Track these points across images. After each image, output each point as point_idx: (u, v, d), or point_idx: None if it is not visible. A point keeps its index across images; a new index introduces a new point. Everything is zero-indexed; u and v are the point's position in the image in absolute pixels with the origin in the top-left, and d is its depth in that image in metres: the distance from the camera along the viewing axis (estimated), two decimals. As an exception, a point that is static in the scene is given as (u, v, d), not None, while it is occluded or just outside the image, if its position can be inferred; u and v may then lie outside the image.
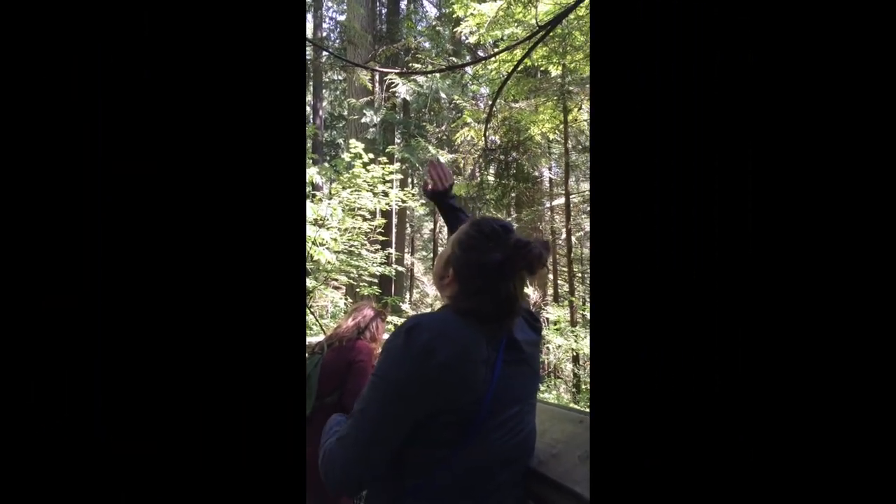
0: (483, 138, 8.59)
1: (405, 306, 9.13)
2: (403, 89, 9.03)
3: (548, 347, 6.45)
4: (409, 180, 9.67)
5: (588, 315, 6.94)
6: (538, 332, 1.12)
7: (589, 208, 9.86)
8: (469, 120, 8.70)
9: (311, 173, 5.41)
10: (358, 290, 7.34)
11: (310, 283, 7.13)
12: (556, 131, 8.48)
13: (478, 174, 10.00)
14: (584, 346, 6.09)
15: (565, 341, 6.25)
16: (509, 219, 9.62)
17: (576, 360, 6.50)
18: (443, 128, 10.17)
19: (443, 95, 9.50)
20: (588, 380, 6.13)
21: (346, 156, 6.85)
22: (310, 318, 6.61)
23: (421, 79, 8.91)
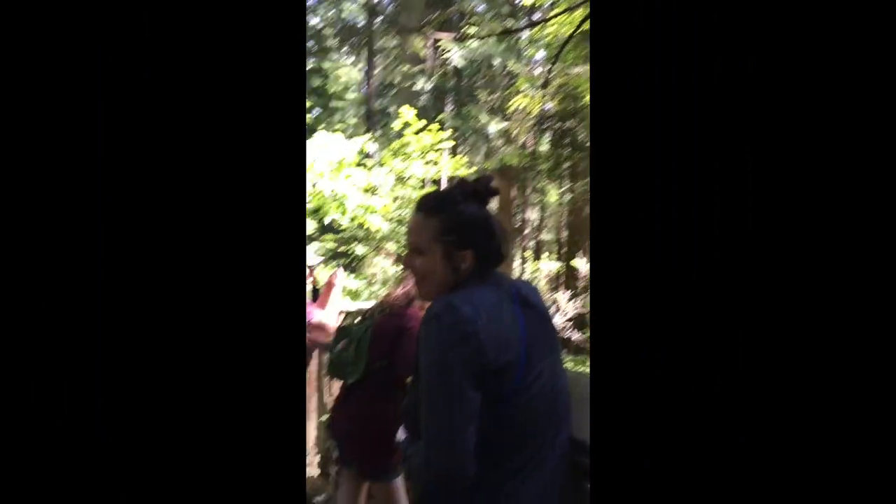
0: (538, 105, 8.32)
1: (453, 276, 9.15)
2: (456, 55, 8.84)
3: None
4: (461, 149, 9.58)
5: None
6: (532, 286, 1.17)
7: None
8: (524, 86, 8.43)
9: (363, 141, 5.46)
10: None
11: (360, 250, 7.29)
12: (616, 98, 8.05)
13: (531, 144, 9.75)
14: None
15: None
16: (563, 189, 9.37)
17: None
18: (496, 95, 9.92)
19: (497, 61, 9.23)
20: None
21: (396, 123, 6.85)
22: (360, 284, 6.78)
23: (475, 44, 8.68)
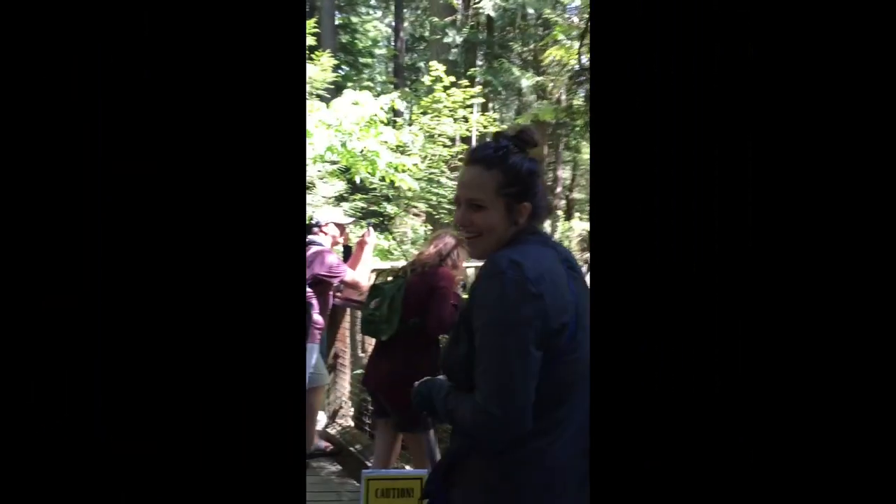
0: (575, 56, 7.97)
1: (484, 234, 9.11)
2: (489, 5, 8.48)
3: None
4: (492, 105, 9.34)
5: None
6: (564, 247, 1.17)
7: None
8: (560, 37, 8.05)
9: (393, 98, 5.39)
10: (437, 217, 7.44)
11: (391, 209, 7.32)
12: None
13: (565, 98, 9.40)
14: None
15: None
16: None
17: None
18: (530, 47, 9.52)
19: (530, 11, 8.80)
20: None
21: (426, 79, 6.70)
22: (391, 243, 6.86)
23: (508, -8, 8.27)
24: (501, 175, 0.97)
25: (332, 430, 3.17)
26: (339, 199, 6.35)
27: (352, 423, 3.24)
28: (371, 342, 2.56)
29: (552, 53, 8.31)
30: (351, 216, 6.06)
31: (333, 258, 2.77)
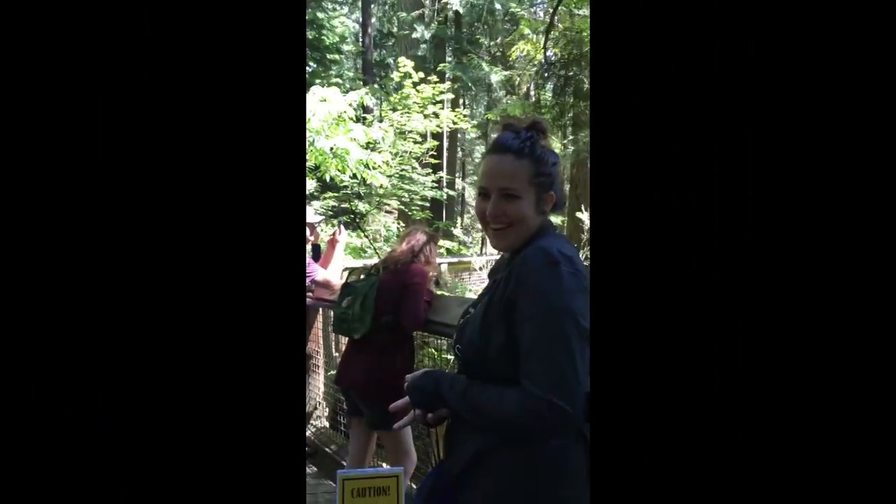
0: (541, 50, 8.05)
1: (456, 231, 9.18)
2: (456, 0, 8.47)
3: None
4: (462, 101, 9.35)
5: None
6: None
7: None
8: (526, 31, 8.13)
9: (361, 94, 5.34)
10: (410, 214, 7.42)
11: (362, 207, 7.26)
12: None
13: (533, 93, 9.49)
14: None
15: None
16: (566, 141, 9.20)
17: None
18: (497, 41, 9.56)
19: (497, 6, 8.84)
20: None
21: (395, 75, 6.66)
22: (364, 241, 6.81)
23: (474, -13, 8.27)
24: (532, 164, 0.97)
25: (307, 432, 3.14)
26: (310, 197, 6.26)
27: (326, 424, 3.22)
28: (345, 341, 2.56)
29: (519, 48, 8.38)
30: (322, 215, 5.98)
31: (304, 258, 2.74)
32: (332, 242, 2.86)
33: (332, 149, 4.75)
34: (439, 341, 2.89)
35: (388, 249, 2.65)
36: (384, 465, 2.44)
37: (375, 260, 2.79)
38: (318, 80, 7.64)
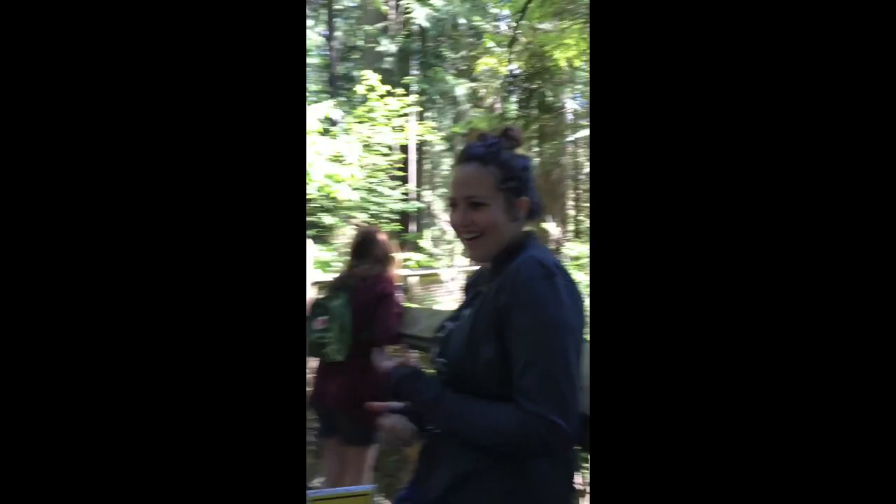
0: (505, 64, 8.18)
1: (425, 243, 9.16)
2: (421, 13, 8.55)
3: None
4: (428, 113, 9.39)
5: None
6: None
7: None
8: (490, 44, 8.26)
9: (327, 108, 5.29)
10: (378, 226, 7.35)
11: (329, 220, 7.16)
12: (583, 57, 7.99)
13: (498, 105, 9.62)
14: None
15: (586, 277, 6.24)
16: (531, 152, 9.34)
17: (595, 295, 6.50)
18: (462, 55, 9.68)
19: (462, 20, 8.96)
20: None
21: (360, 88, 6.64)
22: (331, 255, 6.70)
23: (439, 2, 8.39)
24: (498, 170, 0.95)
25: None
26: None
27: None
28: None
29: (484, 62, 8.50)
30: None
31: None
32: None
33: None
34: (409, 354, 2.84)
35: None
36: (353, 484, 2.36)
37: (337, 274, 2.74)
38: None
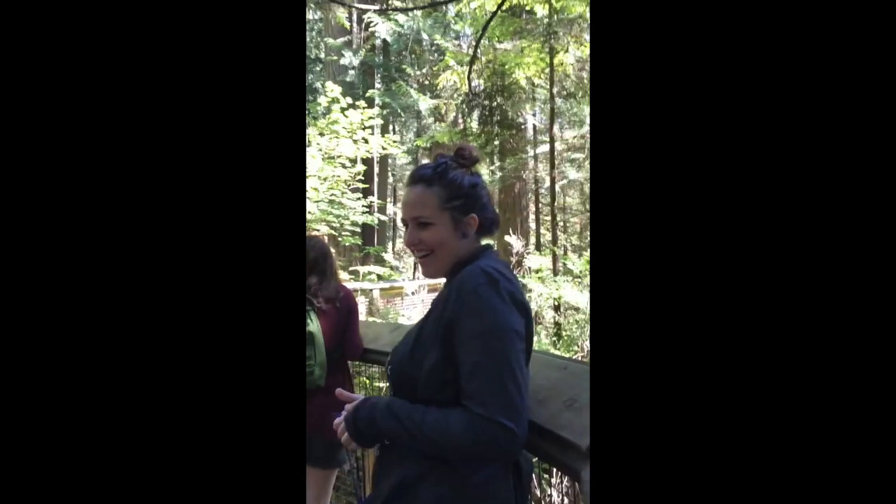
0: (466, 81, 8.31)
1: (388, 256, 9.11)
2: (383, 28, 8.60)
3: (529, 295, 6.57)
4: (391, 127, 9.41)
5: (568, 265, 6.99)
6: None
7: (572, 156, 9.74)
8: (451, 62, 8.38)
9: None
10: (340, 239, 7.28)
11: (290, 233, 7.01)
12: (542, 75, 8.23)
13: (461, 121, 9.75)
14: (565, 294, 6.21)
15: (546, 289, 6.35)
16: (493, 167, 9.50)
17: (556, 308, 6.63)
18: (424, 71, 9.78)
19: (424, 36, 9.07)
20: (568, 328, 6.26)
21: (322, 100, 6.60)
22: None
23: (401, 18, 8.46)
24: (442, 190, 0.99)
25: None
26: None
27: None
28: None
29: (446, 78, 8.62)
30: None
31: None
32: None
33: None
34: (372, 369, 2.79)
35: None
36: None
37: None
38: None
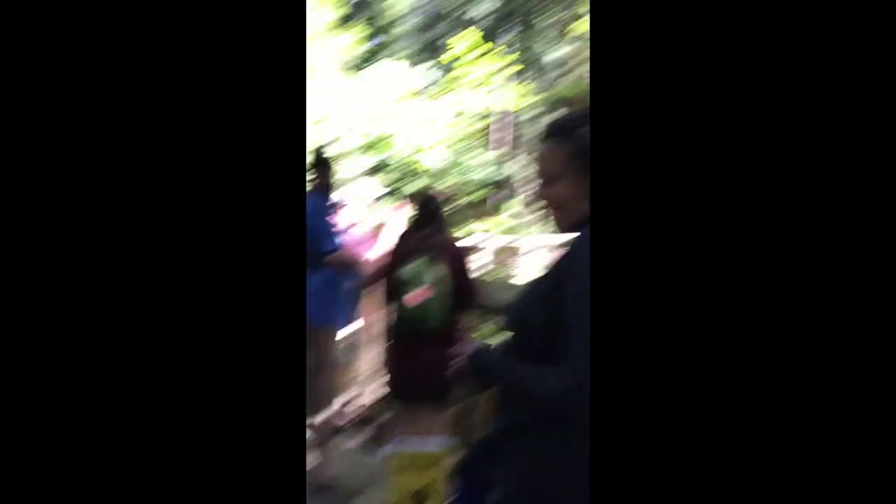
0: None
1: (512, 211, 9.01)
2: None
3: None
4: (524, 76, 9.09)
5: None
6: None
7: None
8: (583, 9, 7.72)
9: (422, 71, 5.26)
10: (467, 193, 7.37)
11: (413, 187, 7.24)
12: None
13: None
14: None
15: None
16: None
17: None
18: (557, 18, 9.16)
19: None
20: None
21: (457, 49, 6.55)
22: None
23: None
24: (572, 146, 0.98)
25: (363, 401, 3.19)
26: (365, 175, 6.33)
27: (376, 396, 3.24)
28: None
29: (578, 27, 8.01)
30: (375, 194, 6.03)
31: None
32: (383, 225, 2.81)
33: (386, 128, 4.74)
34: (485, 324, 2.84)
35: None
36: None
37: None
38: (379, 57, 7.64)
